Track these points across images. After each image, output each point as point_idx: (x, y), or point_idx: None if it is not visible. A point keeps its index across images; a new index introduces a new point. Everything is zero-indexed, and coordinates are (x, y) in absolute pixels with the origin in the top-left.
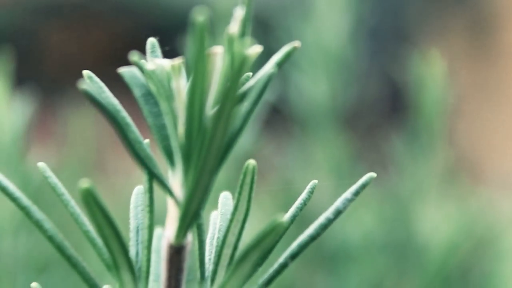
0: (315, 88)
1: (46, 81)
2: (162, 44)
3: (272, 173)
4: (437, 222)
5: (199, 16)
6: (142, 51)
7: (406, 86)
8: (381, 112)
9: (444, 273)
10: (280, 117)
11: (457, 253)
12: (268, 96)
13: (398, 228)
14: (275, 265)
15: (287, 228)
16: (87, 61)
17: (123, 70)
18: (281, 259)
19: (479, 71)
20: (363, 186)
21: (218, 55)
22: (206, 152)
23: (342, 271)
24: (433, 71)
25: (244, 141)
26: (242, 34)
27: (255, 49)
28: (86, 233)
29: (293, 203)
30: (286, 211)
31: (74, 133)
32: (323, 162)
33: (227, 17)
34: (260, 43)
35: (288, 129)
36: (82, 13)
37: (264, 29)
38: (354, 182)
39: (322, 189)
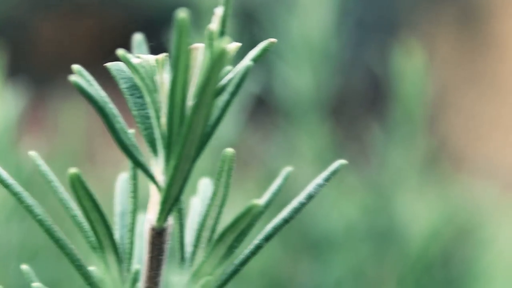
0: (299, 79)
1: (37, 72)
2: (150, 37)
3: (257, 162)
4: (418, 210)
5: (181, 13)
6: (132, 43)
7: (388, 77)
8: (364, 103)
9: (425, 260)
10: (265, 108)
11: (438, 241)
12: (253, 88)
13: (381, 216)
14: (251, 246)
15: (262, 212)
16: (77, 53)
17: (109, 64)
18: (256, 241)
19: (468, 61)
20: (334, 172)
21: (199, 50)
22: (186, 140)
23: (326, 259)
24: (414, 62)
25: (230, 131)
26: (222, 31)
27: (234, 45)
28: (73, 217)
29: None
30: None
31: (65, 124)
32: (307, 151)
33: (210, 14)
34: (245, 35)
35: (273, 119)
36: (73, 5)
37: (249, 21)
38: (335, 171)
39: (306, 177)
